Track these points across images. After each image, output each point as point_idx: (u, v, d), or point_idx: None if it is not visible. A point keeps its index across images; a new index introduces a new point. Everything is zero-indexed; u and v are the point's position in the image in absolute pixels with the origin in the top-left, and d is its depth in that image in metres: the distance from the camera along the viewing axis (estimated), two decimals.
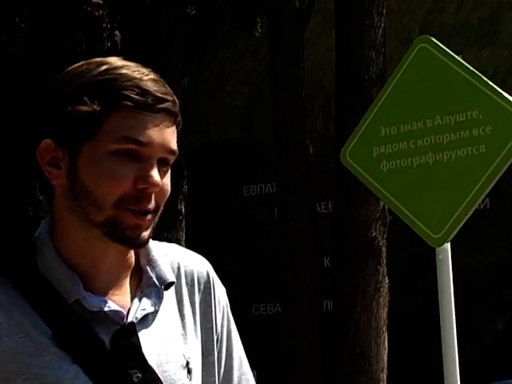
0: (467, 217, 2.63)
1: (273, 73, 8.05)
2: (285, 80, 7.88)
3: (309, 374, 7.33)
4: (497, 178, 2.60)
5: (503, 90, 2.66)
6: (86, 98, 1.26)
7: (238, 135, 11.69)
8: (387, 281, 6.88)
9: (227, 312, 1.49)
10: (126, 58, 1.35)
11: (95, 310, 1.28)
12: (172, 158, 1.32)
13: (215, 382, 1.43)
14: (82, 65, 1.32)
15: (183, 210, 8.03)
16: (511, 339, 9.69)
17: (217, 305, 1.45)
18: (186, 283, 1.43)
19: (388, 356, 6.84)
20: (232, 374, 1.46)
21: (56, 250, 1.32)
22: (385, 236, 6.89)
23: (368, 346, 6.71)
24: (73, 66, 1.33)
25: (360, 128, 2.92)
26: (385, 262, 6.88)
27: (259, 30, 11.23)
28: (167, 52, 8.36)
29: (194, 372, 1.36)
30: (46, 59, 13.87)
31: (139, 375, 1.27)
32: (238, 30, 11.38)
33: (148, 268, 1.37)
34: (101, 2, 14.25)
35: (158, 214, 1.32)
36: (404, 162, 2.78)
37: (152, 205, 1.29)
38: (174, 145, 1.31)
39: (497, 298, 10.03)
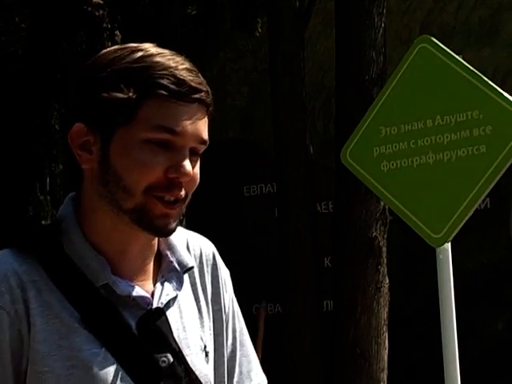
0: (468, 217, 2.63)
1: (273, 73, 8.05)
2: (285, 80, 7.87)
3: (309, 374, 7.32)
4: (497, 178, 2.60)
5: (503, 90, 2.66)
6: (122, 85, 1.26)
7: (238, 135, 11.69)
8: (387, 281, 6.88)
9: (231, 292, 1.51)
10: (160, 45, 1.36)
11: (124, 294, 1.30)
12: (203, 148, 1.33)
13: (224, 361, 1.46)
14: (115, 50, 1.33)
15: (183, 210, 8.02)
16: (511, 339, 9.68)
17: (223, 286, 1.48)
18: (196, 265, 1.45)
19: (388, 356, 6.84)
20: (235, 355, 1.48)
21: (84, 234, 1.32)
22: (385, 236, 6.88)
23: (368, 345, 6.70)
24: (106, 51, 1.34)
25: (360, 128, 2.92)
26: (385, 261, 6.87)
27: (259, 30, 11.22)
28: None
29: (210, 355, 1.40)
30: (46, 59, 13.85)
31: (165, 359, 1.30)
32: (238, 30, 11.37)
33: (168, 253, 1.39)
34: (101, 1, 14.24)
35: (186, 202, 1.34)
36: (404, 162, 2.78)
37: (182, 193, 1.31)
38: (205, 135, 1.32)
39: (497, 297, 10.02)
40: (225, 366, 1.46)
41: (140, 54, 1.30)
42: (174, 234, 1.38)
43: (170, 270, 1.38)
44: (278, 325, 8.03)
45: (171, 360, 1.30)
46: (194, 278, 1.43)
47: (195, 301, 1.42)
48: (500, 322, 10.06)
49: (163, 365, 1.29)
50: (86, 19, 14.12)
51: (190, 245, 1.46)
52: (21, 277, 1.27)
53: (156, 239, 1.38)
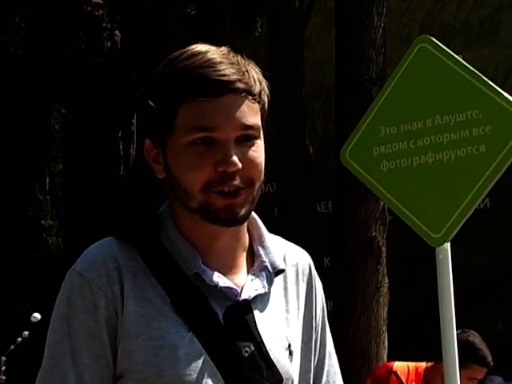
0: (467, 216, 2.62)
1: (273, 73, 8.04)
2: (285, 80, 7.87)
3: None
4: (497, 178, 2.60)
5: (503, 90, 2.65)
6: (159, 99, 1.36)
7: None
8: (387, 280, 6.88)
9: (323, 304, 1.56)
10: (209, 43, 1.43)
11: (212, 284, 1.36)
12: (253, 132, 1.36)
13: (311, 367, 1.51)
14: (164, 61, 1.42)
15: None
16: (511, 339, 9.68)
17: (317, 296, 1.54)
18: (292, 273, 1.50)
19: (388, 356, 6.84)
20: (324, 364, 1.54)
21: (177, 228, 1.41)
22: (385, 236, 6.88)
23: (368, 345, 6.71)
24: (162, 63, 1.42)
25: (360, 128, 2.91)
26: (385, 261, 6.87)
27: (259, 30, 11.24)
28: (167, 52, 8.34)
29: (294, 355, 1.44)
30: (46, 59, 13.85)
31: (248, 349, 1.35)
32: (238, 30, 11.38)
33: (262, 253, 1.45)
34: (101, 1, 14.23)
35: (255, 187, 1.38)
36: (404, 162, 2.77)
37: (238, 181, 1.34)
38: (247, 120, 1.35)
39: (497, 297, 10.03)
40: (311, 373, 1.50)
41: (174, 62, 1.38)
42: (267, 237, 1.47)
43: (261, 269, 1.44)
44: None
45: (253, 350, 1.35)
46: (287, 283, 1.48)
47: (285, 303, 1.47)
48: (500, 322, 10.06)
49: (245, 354, 1.35)
50: (86, 19, 14.12)
51: (287, 254, 1.51)
52: (118, 261, 1.36)
53: (242, 233, 1.44)
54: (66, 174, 16.99)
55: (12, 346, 13.51)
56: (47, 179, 18.78)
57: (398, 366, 4.24)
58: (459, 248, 4.93)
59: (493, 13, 10.58)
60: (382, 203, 6.70)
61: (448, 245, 2.66)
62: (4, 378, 13.54)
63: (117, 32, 14.50)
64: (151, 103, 1.35)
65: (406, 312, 9.74)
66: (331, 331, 1.59)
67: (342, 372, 1.58)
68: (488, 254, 10.27)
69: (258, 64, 1.44)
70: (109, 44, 15.01)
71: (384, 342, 6.80)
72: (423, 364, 4.21)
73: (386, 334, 6.84)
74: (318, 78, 11.04)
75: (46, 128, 17.37)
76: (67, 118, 16.40)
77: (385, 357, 6.79)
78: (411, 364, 4.25)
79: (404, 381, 4.11)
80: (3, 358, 13.93)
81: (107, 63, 14.54)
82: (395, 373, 4.13)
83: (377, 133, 2.85)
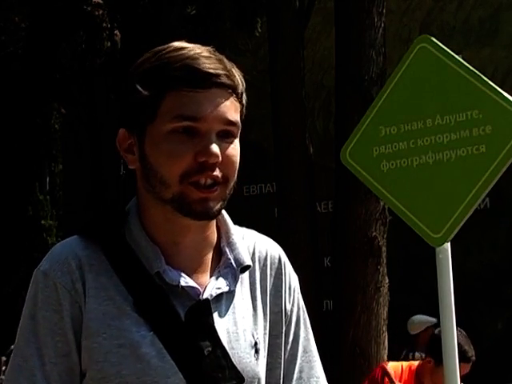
0: (467, 216, 2.62)
1: (273, 72, 8.04)
2: (285, 80, 7.87)
3: None
4: (497, 178, 2.60)
5: (503, 90, 2.65)
6: (143, 87, 1.35)
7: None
8: (387, 280, 6.87)
9: (297, 298, 1.55)
10: (188, 41, 1.43)
11: (173, 283, 1.36)
12: (234, 129, 1.37)
13: (281, 363, 1.50)
14: (146, 54, 1.41)
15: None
16: (511, 339, 9.68)
17: (286, 289, 1.52)
18: (259, 267, 1.50)
19: (388, 356, 6.84)
20: (295, 359, 1.52)
21: (142, 225, 1.41)
22: (385, 236, 6.88)
23: (368, 345, 6.70)
24: (141, 58, 1.42)
25: (360, 128, 2.91)
26: (385, 261, 6.87)
27: (259, 30, 11.23)
28: None
29: (260, 352, 1.43)
30: (46, 59, 13.85)
31: (210, 349, 1.35)
32: (237, 29, 11.38)
33: (227, 250, 1.45)
34: (101, 1, 14.22)
35: (229, 185, 1.38)
36: (404, 162, 2.77)
37: (217, 174, 1.35)
38: (231, 116, 1.36)
39: (497, 297, 10.03)
40: (281, 369, 1.50)
41: (160, 53, 1.38)
42: (234, 232, 1.47)
43: (226, 266, 1.43)
44: None
45: (214, 350, 1.36)
46: (254, 279, 1.48)
47: (251, 299, 1.46)
48: (500, 322, 10.06)
49: (207, 353, 1.35)
50: (86, 19, 14.11)
51: (256, 247, 1.52)
52: (81, 260, 1.37)
53: (211, 230, 1.44)
54: (66, 174, 16.99)
55: (12, 346, 13.51)
56: (47, 179, 18.79)
57: (392, 365, 4.29)
58: (459, 248, 4.94)
59: (493, 13, 10.57)
60: (382, 203, 6.69)
61: (448, 245, 2.66)
62: (4, 377, 13.54)
63: (117, 32, 14.49)
64: (139, 88, 1.35)
65: (406, 312, 9.73)
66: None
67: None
68: (488, 254, 10.27)
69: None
70: (109, 44, 15.01)
71: (384, 342, 6.80)
72: (416, 363, 4.27)
73: (386, 333, 6.84)
74: (318, 77, 11.04)
75: (46, 128, 17.38)
76: (67, 118, 16.40)
77: (385, 357, 6.79)
78: (405, 363, 4.31)
79: (397, 380, 4.16)
80: (3, 358, 13.93)
81: (107, 63, 14.54)
82: (387, 374, 4.19)
83: (377, 133, 2.85)
